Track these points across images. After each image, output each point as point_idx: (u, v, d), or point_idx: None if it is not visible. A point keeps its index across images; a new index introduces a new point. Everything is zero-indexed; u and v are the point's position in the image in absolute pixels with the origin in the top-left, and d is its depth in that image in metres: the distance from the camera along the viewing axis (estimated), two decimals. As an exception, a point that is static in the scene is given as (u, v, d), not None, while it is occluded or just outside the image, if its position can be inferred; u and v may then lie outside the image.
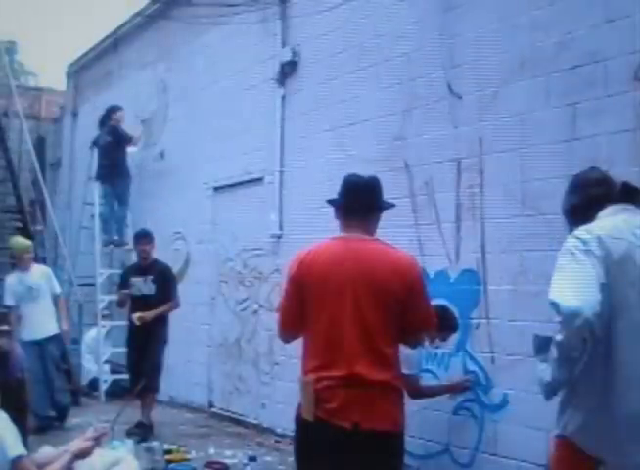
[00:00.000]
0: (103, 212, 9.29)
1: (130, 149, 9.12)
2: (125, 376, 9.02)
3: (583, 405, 2.55)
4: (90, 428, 3.25)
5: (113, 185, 9.14)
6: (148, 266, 6.86)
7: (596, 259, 2.49)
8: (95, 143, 9.43)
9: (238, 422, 7.19)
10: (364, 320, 2.96)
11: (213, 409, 7.70)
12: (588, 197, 2.76)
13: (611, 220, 2.62)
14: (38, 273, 7.15)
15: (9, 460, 2.76)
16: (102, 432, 3.19)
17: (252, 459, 5.63)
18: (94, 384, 8.80)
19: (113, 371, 9.02)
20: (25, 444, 2.95)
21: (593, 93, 4.20)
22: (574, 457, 2.57)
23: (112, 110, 9.20)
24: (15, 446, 2.78)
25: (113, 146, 9.02)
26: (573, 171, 4.26)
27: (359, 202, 3.17)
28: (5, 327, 7.59)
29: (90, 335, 9.18)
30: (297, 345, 6.70)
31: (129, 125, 9.28)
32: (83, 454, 3.06)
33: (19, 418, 2.89)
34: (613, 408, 2.49)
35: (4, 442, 2.76)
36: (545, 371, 2.55)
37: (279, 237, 6.79)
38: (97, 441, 3.14)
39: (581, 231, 2.59)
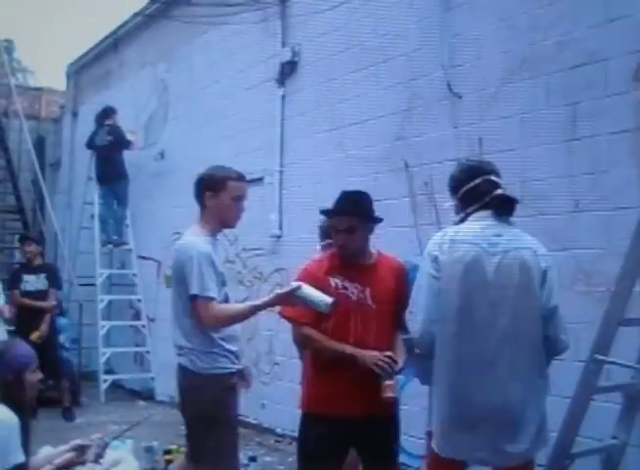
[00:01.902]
0: (101, 213, 9.29)
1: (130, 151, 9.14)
2: (126, 376, 9.09)
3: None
4: (80, 439, 3.25)
5: (112, 185, 9.14)
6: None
7: (437, 265, 2.79)
8: (91, 144, 9.41)
9: (238, 422, 7.17)
10: None
11: (213, 409, 7.69)
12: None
13: (471, 225, 2.82)
14: None
15: (9, 468, 2.76)
16: (87, 445, 3.18)
17: (252, 459, 5.63)
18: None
19: (111, 371, 9.04)
20: (28, 444, 2.95)
21: (593, 93, 4.20)
22: None
23: (110, 111, 9.21)
24: (17, 454, 2.79)
25: (112, 146, 9.03)
26: (574, 171, 4.30)
27: None
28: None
29: None
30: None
31: (128, 125, 9.28)
32: (67, 466, 3.06)
33: (20, 418, 2.89)
34: None
35: (9, 447, 2.76)
36: None
37: (279, 237, 6.79)
38: (83, 452, 3.14)
39: (438, 236, 2.89)
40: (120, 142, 9.01)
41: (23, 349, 3.13)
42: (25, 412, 2.98)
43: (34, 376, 3.06)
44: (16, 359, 3.00)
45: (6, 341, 3.20)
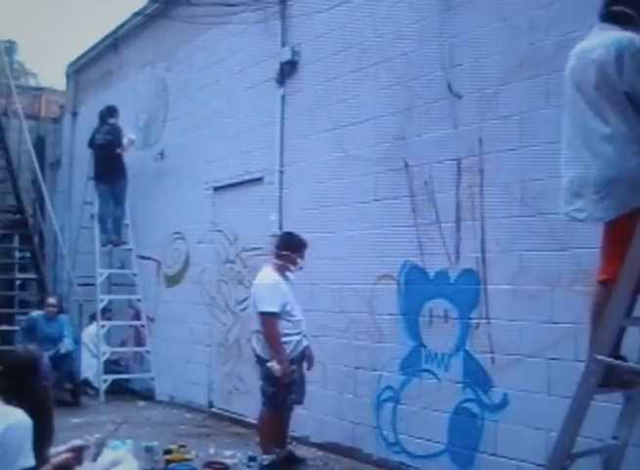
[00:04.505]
0: (99, 213, 9.28)
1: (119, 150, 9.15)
2: (125, 376, 9.08)
3: None
4: (77, 440, 3.26)
5: (110, 184, 9.12)
6: None
7: None
8: (91, 142, 9.40)
9: (238, 422, 7.18)
10: None
11: (213, 409, 7.70)
12: None
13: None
14: None
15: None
16: (85, 446, 3.19)
17: (252, 459, 5.63)
18: (86, 383, 8.79)
19: (111, 371, 9.03)
20: (43, 450, 2.96)
21: (593, 93, 4.19)
22: None
23: (114, 111, 9.23)
24: (27, 457, 2.80)
25: (112, 145, 9.03)
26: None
27: None
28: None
29: (88, 331, 9.16)
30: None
31: (128, 126, 9.29)
32: (64, 467, 3.07)
33: (41, 426, 2.90)
34: None
35: (20, 449, 2.77)
36: None
37: (279, 237, 6.79)
38: (80, 454, 3.15)
39: None
40: (116, 143, 9.05)
41: (45, 358, 3.18)
42: (49, 420, 3.00)
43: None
44: (47, 367, 3.05)
45: (34, 349, 3.24)
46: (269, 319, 5.11)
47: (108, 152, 9.04)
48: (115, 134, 9.08)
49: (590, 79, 3.10)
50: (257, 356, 5.29)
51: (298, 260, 5.31)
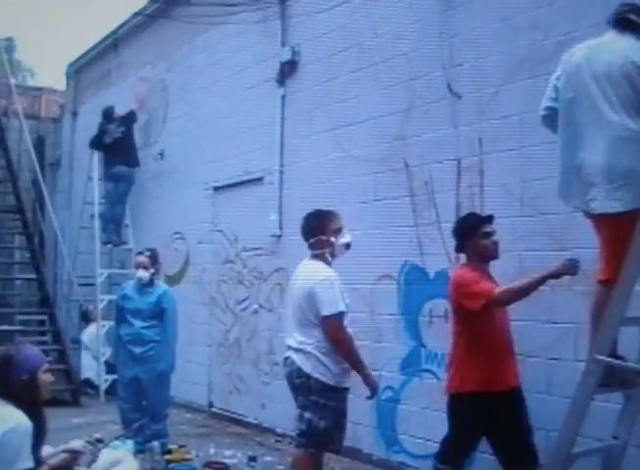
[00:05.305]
0: (104, 212, 9.28)
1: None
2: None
3: None
4: (77, 441, 3.26)
5: (119, 179, 9.06)
6: None
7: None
8: (99, 143, 9.36)
9: (238, 422, 7.19)
10: None
11: (213, 409, 7.70)
12: None
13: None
14: None
15: None
16: (82, 450, 3.19)
17: (252, 459, 5.64)
18: (87, 383, 8.80)
19: (112, 371, 9.03)
20: (39, 448, 2.95)
21: (593, 93, 4.19)
22: None
23: (111, 109, 9.23)
24: (26, 459, 2.80)
25: (127, 135, 9.01)
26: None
27: None
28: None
29: (89, 331, 9.16)
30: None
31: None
32: (62, 467, 3.07)
33: (35, 421, 2.89)
34: None
35: (19, 452, 2.77)
36: None
37: (279, 237, 6.79)
38: (76, 457, 3.15)
39: None
40: (131, 121, 9.05)
41: (33, 349, 3.13)
42: (40, 414, 2.98)
43: (47, 376, 3.06)
44: (28, 360, 3.00)
45: (15, 343, 3.21)
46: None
47: (123, 145, 9.00)
48: (126, 123, 9.07)
49: (617, 76, 3.09)
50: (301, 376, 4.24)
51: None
